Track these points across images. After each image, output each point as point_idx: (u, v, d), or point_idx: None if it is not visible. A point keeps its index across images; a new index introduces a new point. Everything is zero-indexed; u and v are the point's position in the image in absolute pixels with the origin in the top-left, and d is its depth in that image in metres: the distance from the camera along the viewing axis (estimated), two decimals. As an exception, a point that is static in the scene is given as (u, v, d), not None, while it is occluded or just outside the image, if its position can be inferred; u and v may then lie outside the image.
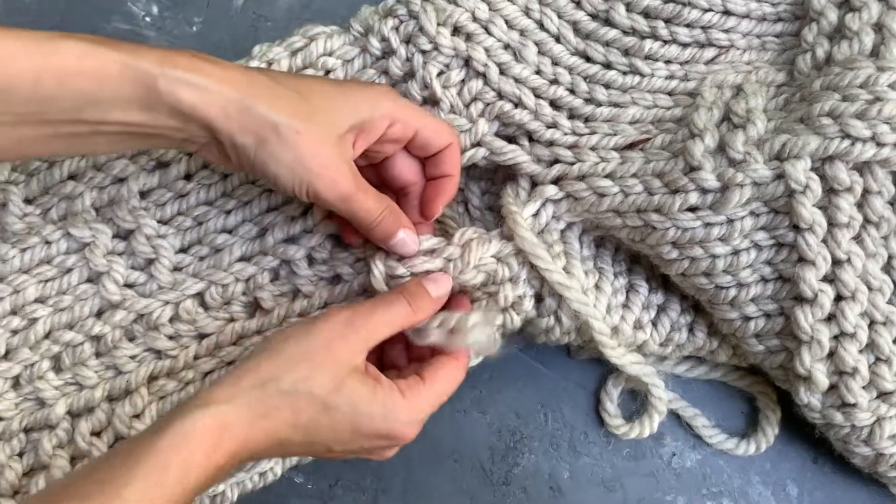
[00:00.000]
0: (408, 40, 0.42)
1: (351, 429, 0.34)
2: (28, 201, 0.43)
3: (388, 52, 0.43)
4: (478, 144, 0.42)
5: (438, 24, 0.42)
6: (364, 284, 0.42)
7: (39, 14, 0.49)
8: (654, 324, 0.43)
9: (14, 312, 0.41)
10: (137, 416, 0.40)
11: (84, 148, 0.35)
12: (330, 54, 0.43)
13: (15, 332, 0.41)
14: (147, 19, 0.50)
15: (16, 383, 0.41)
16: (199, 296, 0.42)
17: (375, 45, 0.43)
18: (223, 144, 0.34)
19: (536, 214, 0.42)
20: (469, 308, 0.40)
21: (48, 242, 0.42)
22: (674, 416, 0.46)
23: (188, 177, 0.43)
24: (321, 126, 0.34)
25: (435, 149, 0.39)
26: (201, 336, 0.42)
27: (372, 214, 0.37)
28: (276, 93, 0.34)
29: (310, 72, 0.43)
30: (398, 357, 0.40)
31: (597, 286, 0.42)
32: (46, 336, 0.41)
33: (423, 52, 0.42)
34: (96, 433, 0.40)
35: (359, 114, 0.36)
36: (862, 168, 0.38)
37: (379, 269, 0.39)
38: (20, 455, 0.40)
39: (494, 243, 0.40)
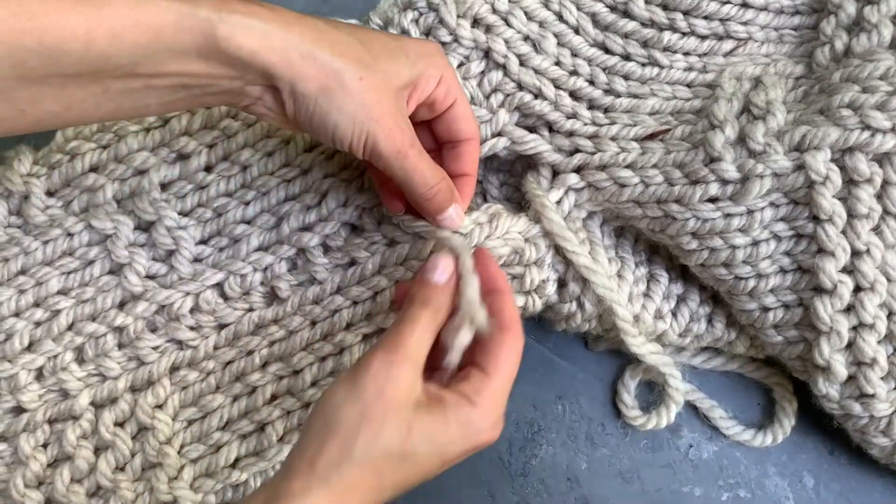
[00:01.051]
0: (427, 32, 0.42)
1: (439, 462, 0.32)
2: (50, 194, 0.43)
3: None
4: (498, 134, 0.42)
5: (458, 16, 0.42)
6: (378, 265, 0.42)
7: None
8: (674, 314, 0.43)
9: (37, 304, 0.41)
10: (160, 407, 0.41)
11: (133, 108, 0.33)
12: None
13: (38, 323, 0.41)
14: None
15: (39, 375, 0.41)
16: (219, 286, 0.42)
17: (396, 37, 0.43)
18: (281, 93, 0.32)
19: (559, 202, 0.42)
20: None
21: (70, 234, 0.42)
22: (691, 407, 0.46)
23: (208, 168, 0.43)
24: (382, 75, 0.33)
25: (461, 134, 0.38)
26: (221, 326, 0.42)
27: (428, 182, 0.35)
28: (337, 39, 0.32)
29: None
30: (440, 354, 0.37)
31: (619, 274, 0.43)
32: (69, 328, 0.41)
33: (443, 44, 0.42)
34: (119, 424, 0.40)
35: (416, 67, 0.34)
36: (882, 159, 0.38)
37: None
38: (45, 446, 0.40)
39: (523, 220, 0.41)
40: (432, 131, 0.39)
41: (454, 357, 0.33)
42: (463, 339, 0.33)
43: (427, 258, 0.38)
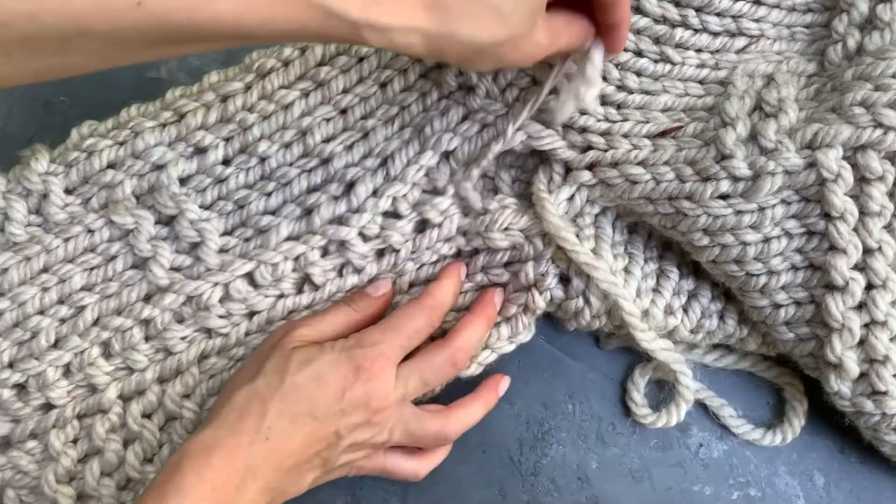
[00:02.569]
0: (442, 29, 0.43)
1: (315, 383, 0.36)
2: (68, 191, 0.43)
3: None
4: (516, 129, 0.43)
5: (473, 14, 0.42)
6: (409, 251, 0.43)
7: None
8: (686, 310, 0.43)
9: (61, 301, 0.42)
10: (188, 396, 0.41)
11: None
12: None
13: (63, 320, 0.42)
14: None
15: (67, 371, 0.41)
16: (249, 275, 0.42)
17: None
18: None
19: (571, 199, 0.43)
20: None
21: (91, 231, 0.42)
22: (700, 406, 0.46)
23: (226, 162, 0.44)
24: (517, 27, 0.33)
25: None
26: (252, 314, 0.42)
27: (564, 48, 0.36)
28: (472, 13, 0.32)
29: (343, 59, 0.43)
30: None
31: (626, 270, 0.43)
32: (95, 323, 0.42)
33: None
34: (147, 415, 0.41)
35: None
36: (894, 157, 0.38)
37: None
38: (74, 441, 0.41)
39: (526, 218, 0.41)
40: None
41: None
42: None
43: None
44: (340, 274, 0.43)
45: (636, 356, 0.46)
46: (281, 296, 0.43)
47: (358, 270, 0.43)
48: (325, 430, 0.36)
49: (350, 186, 0.43)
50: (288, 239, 0.43)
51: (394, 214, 0.43)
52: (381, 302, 0.41)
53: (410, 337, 0.38)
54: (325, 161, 0.44)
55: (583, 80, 0.38)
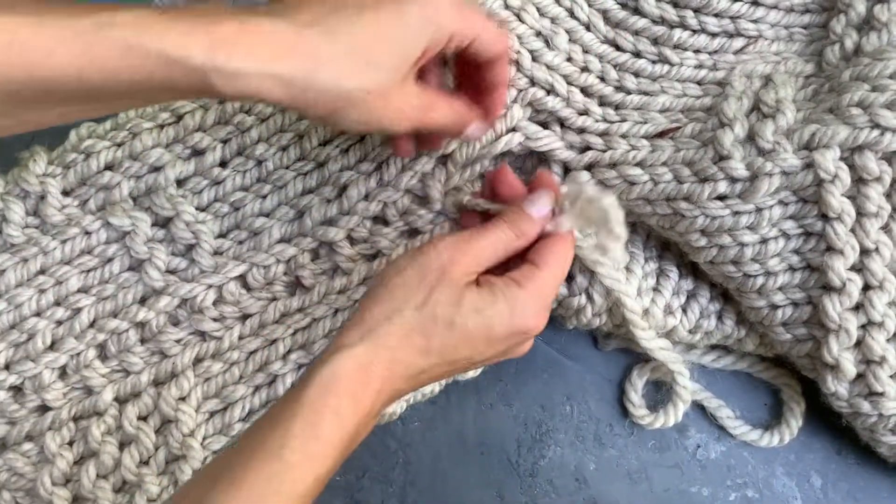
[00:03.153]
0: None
1: (485, 335, 0.34)
2: (66, 193, 0.43)
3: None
4: (513, 130, 0.43)
5: (471, 14, 0.42)
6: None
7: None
8: (685, 310, 0.44)
9: (58, 303, 0.42)
10: (183, 399, 0.41)
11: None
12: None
13: (60, 322, 0.42)
14: (174, 13, 0.50)
15: (63, 373, 0.41)
16: (242, 278, 0.42)
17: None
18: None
19: None
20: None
21: (88, 233, 0.42)
22: (698, 407, 0.46)
23: (223, 164, 0.44)
24: (386, 75, 0.32)
25: (484, 58, 0.36)
26: (245, 316, 0.42)
27: (444, 124, 0.36)
28: (334, 54, 0.31)
29: None
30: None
31: (627, 268, 0.43)
32: (91, 325, 0.42)
33: (456, 42, 0.42)
34: (143, 417, 0.41)
35: (420, 43, 0.33)
36: (891, 157, 0.38)
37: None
38: (70, 444, 0.41)
39: None
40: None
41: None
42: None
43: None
44: (331, 276, 0.43)
45: (634, 357, 0.46)
46: (273, 298, 0.43)
47: (346, 273, 0.43)
48: (473, 366, 0.36)
49: (343, 189, 0.43)
50: (280, 241, 0.43)
51: (383, 221, 0.44)
52: (542, 224, 0.37)
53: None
54: (321, 164, 0.44)
55: (607, 236, 0.37)
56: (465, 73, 0.39)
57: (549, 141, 0.43)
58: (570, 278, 0.42)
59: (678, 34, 0.44)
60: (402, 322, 0.32)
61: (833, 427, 0.44)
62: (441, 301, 0.33)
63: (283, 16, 0.30)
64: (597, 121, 0.43)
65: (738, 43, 0.44)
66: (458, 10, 0.34)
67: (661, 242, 0.45)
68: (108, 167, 0.43)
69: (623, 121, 0.43)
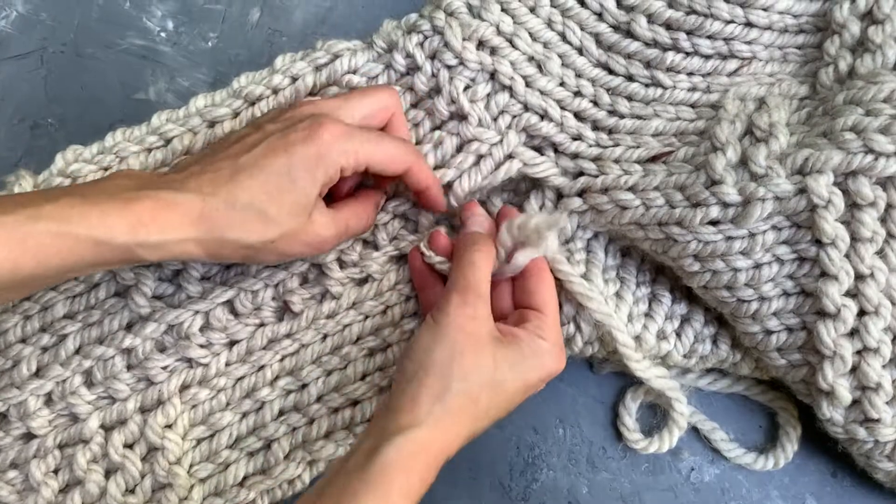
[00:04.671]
0: (433, 56, 0.42)
1: (523, 388, 0.37)
2: (53, 216, 0.43)
3: (413, 69, 0.43)
4: (510, 156, 0.43)
5: (464, 39, 0.42)
6: (393, 282, 0.43)
7: (54, 30, 0.50)
8: (678, 334, 0.43)
9: (43, 330, 0.41)
10: (170, 426, 0.41)
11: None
12: (354, 72, 0.43)
13: (45, 349, 0.41)
14: (162, 35, 0.50)
15: (48, 400, 0.41)
16: (229, 303, 0.42)
17: (400, 61, 0.43)
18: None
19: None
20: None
21: (74, 257, 0.42)
22: (692, 430, 0.46)
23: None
24: (286, 224, 0.36)
25: (392, 174, 0.39)
26: (232, 342, 0.42)
27: (364, 231, 0.41)
28: (234, 218, 0.35)
29: (334, 89, 0.43)
30: (504, 304, 0.41)
31: (617, 294, 0.43)
32: (77, 351, 0.41)
33: (449, 68, 0.42)
34: (129, 445, 0.41)
35: (313, 188, 0.36)
36: (885, 183, 0.38)
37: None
38: (56, 471, 0.40)
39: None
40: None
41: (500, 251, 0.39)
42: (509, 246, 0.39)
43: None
44: (320, 301, 0.43)
45: (627, 380, 0.46)
46: (261, 324, 0.42)
47: (336, 297, 0.43)
48: (506, 413, 0.38)
49: None
50: (268, 265, 0.43)
51: (373, 245, 0.43)
52: (493, 232, 0.41)
53: None
54: None
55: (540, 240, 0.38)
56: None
57: (545, 167, 0.43)
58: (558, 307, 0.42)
59: (671, 57, 0.43)
60: (453, 398, 0.35)
61: (828, 449, 0.44)
62: (481, 366, 0.35)
63: (189, 187, 0.35)
64: (590, 146, 0.43)
65: (732, 65, 0.44)
66: (341, 145, 0.37)
67: (654, 266, 0.45)
68: (97, 191, 0.43)
69: (616, 145, 0.43)
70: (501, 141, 0.42)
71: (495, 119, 0.42)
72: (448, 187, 0.43)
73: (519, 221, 0.38)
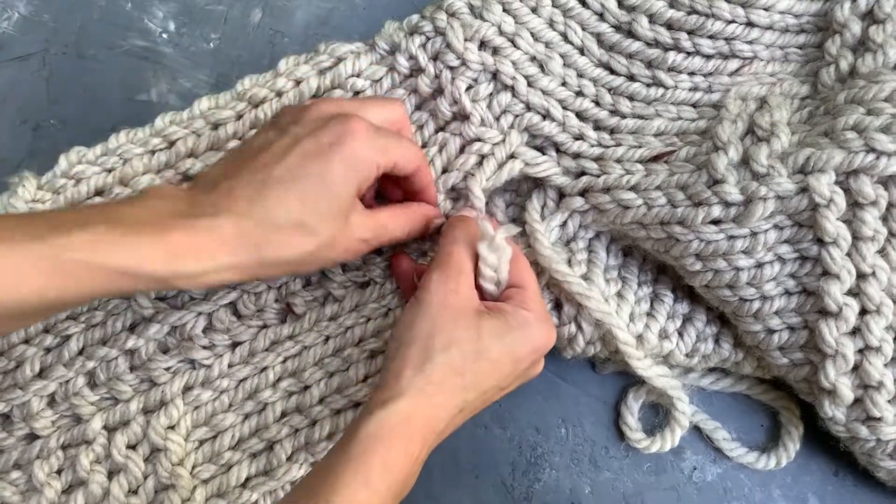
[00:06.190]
0: (435, 57, 0.42)
1: (511, 360, 0.36)
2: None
3: (417, 70, 0.43)
4: (511, 156, 0.43)
5: (466, 40, 0.42)
6: (394, 286, 0.43)
7: (56, 31, 0.50)
8: (681, 333, 0.43)
9: (47, 331, 0.41)
10: (173, 427, 0.41)
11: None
12: (358, 75, 0.43)
13: (48, 349, 0.41)
14: (164, 36, 0.50)
15: (52, 401, 0.41)
16: (232, 305, 0.42)
17: (403, 63, 0.43)
18: None
19: (564, 224, 0.43)
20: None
21: (77, 258, 0.42)
22: (694, 429, 0.46)
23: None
24: (325, 233, 0.35)
25: (408, 174, 0.39)
26: (235, 344, 0.42)
27: (406, 232, 0.40)
28: (270, 236, 0.34)
29: (338, 92, 0.43)
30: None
31: (619, 294, 0.43)
32: (80, 352, 0.41)
33: (451, 69, 0.42)
34: (132, 446, 0.41)
35: (349, 192, 0.35)
36: (887, 182, 0.38)
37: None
38: (59, 472, 0.40)
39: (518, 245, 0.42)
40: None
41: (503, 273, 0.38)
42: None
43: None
44: (322, 304, 0.43)
45: (630, 379, 0.46)
46: (264, 326, 0.42)
47: (338, 300, 0.43)
48: (503, 393, 0.38)
49: None
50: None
51: (377, 250, 0.43)
52: (475, 220, 0.41)
53: None
54: None
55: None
56: (388, 179, 0.41)
57: (547, 167, 0.43)
58: (558, 307, 0.42)
59: (672, 57, 0.43)
60: (434, 368, 0.34)
61: (830, 448, 0.44)
62: (462, 337, 0.35)
63: (221, 209, 0.33)
64: (592, 145, 0.43)
65: (734, 64, 0.44)
66: (374, 143, 0.36)
67: (656, 266, 0.45)
68: (98, 193, 0.43)
69: (618, 145, 0.43)
70: (504, 140, 0.42)
71: (497, 119, 0.43)
72: (453, 190, 0.43)
73: (494, 242, 0.38)
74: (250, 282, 0.41)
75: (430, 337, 0.35)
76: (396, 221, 0.39)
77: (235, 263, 0.33)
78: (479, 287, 0.38)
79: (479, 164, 0.42)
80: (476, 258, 0.38)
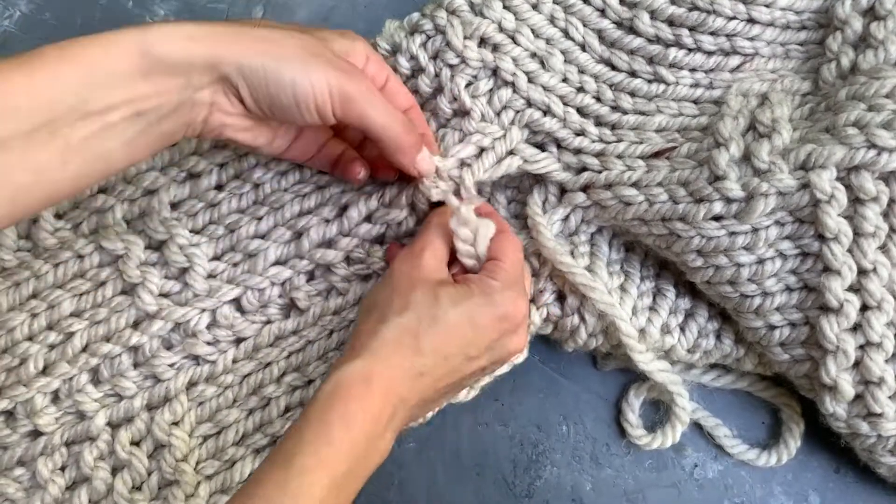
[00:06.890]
0: (435, 56, 0.42)
1: (469, 325, 0.36)
2: (59, 216, 0.43)
3: (418, 70, 0.43)
4: (511, 152, 0.43)
5: (465, 38, 0.42)
6: None
7: (56, 28, 0.50)
8: (682, 329, 0.43)
9: (50, 327, 0.42)
10: (176, 424, 0.41)
11: (99, 158, 0.33)
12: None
13: (52, 346, 0.41)
14: (167, 32, 0.50)
15: (55, 398, 0.41)
16: (236, 301, 0.42)
17: (405, 64, 0.43)
18: (230, 79, 0.33)
19: (566, 219, 0.43)
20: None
21: (80, 256, 0.42)
22: (695, 426, 0.46)
23: (219, 187, 0.44)
24: (317, 38, 0.35)
25: (401, 105, 0.40)
26: (239, 340, 0.42)
27: (375, 122, 0.36)
28: (260, 31, 0.34)
29: None
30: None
31: (622, 287, 0.43)
32: (84, 349, 0.41)
33: (451, 66, 0.42)
34: (136, 442, 0.41)
35: (342, 44, 0.37)
36: (888, 178, 0.38)
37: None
38: (62, 469, 0.40)
39: (521, 237, 0.42)
40: None
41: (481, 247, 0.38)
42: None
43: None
44: (326, 297, 0.43)
45: (631, 376, 0.46)
46: (267, 321, 0.43)
47: (342, 293, 0.43)
48: (475, 365, 0.37)
49: (343, 209, 0.43)
50: (276, 263, 0.43)
51: (380, 241, 0.43)
52: (449, 212, 0.40)
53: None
54: (321, 188, 0.44)
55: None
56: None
57: (546, 163, 0.43)
58: (561, 298, 0.42)
59: (674, 53, 0.43)
60: (388, 330, 0.35)
61: (831, 445, 0.44)
62: (419, 301, 0.35)
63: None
64: (593, 141, 0.43)
65: (735, 61, 0.44)
66: (369, 47, 0.39)
67: (658, 261, 0.45)
68: (102, 190, 0.43)
69: (619, 141, 0.43)
70: (505, 136, 0.42)
71: (498, 114, 0.43)
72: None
73: (461, 214, 0.38)
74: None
75: (386, 304, 0.36)
76: (373, 95, 0.36)
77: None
78: (461, 264, 0.38)
79: (478, 155, 0.42)
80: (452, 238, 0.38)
